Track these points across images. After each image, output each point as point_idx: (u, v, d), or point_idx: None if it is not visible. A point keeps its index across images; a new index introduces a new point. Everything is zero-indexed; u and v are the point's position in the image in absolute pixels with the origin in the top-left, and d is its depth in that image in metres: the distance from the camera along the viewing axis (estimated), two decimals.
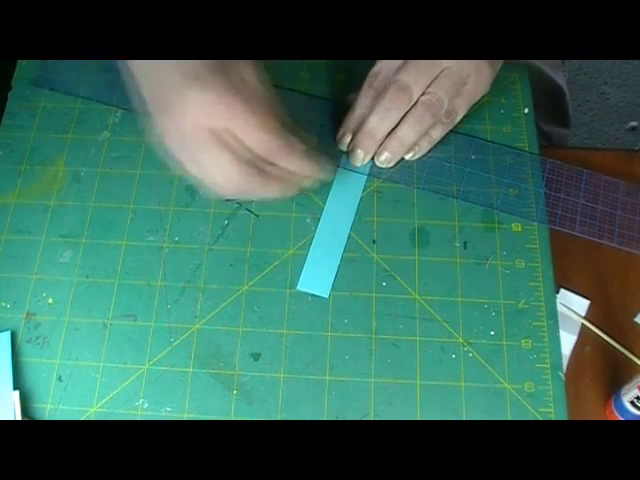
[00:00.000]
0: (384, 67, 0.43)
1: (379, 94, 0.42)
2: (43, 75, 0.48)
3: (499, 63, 0.45)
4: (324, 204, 0.43)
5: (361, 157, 0.43)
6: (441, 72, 0.41)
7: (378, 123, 0.42)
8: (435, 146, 0.44)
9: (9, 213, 0.43)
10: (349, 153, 0.44)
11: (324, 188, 0.43)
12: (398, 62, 0.42)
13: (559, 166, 0.44)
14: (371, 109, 0.42)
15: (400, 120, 0.42)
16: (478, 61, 0.43)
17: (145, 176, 0.44)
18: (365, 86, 0.44)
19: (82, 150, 0.45)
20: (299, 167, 0.39)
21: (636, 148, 1.24)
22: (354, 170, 0.44)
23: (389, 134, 0.43)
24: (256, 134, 0.35)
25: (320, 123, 0.46)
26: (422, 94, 0.41)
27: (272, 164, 0.37)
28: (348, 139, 0.44)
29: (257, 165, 0.36)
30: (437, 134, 0.43)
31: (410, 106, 0.41)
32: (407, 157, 0.44)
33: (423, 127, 0.42)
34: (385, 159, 0.43)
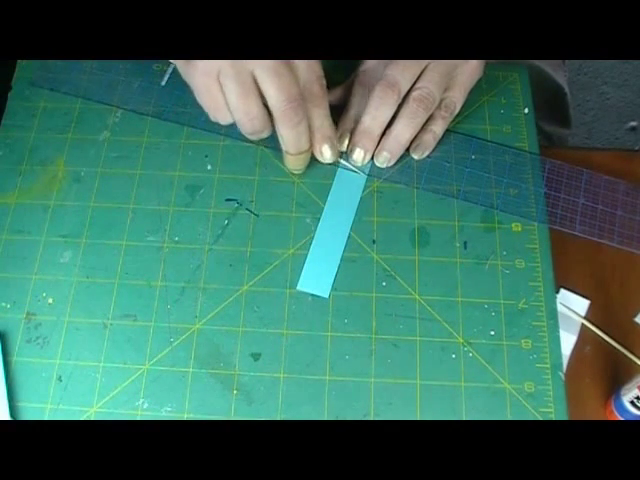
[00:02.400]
0: (372, 64, 0.44)
1: (370, 91, 0.42)
2: (43, 75, 0.48)
3: None
4: (324, 204, 0.43)
5: (361, 156, 0.43)
6: (428, 65, 0.42)
7: (371, 121, 0.42)
8: (435, 146, 0.44)
9: (9, 213, 0.43)
10: (349, 153, 0.44)
11: (324, 188, 0.44)
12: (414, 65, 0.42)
13: (559, 166, 0.44)
14: (364, 107, 0.42)
15: (395, 117, 0.42)
16: (465, 61, 0.43)
17: (145, 176, 0.44)
18: (356, 84, 0.44)
19: (82, 150, 0.45)
20: (323, 121, 0.40)
21: (636, 148, 1.24)
22: (354, 170, 0.44)
23: (385, 132, 0.43)
24: (305, 65, 0.38)
25: None
26: (413, 89, 0.42)
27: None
28: (346, 139, 0.44)
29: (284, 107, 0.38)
30: (439, 129, 0.43)
31: (399, 101, 0.41)
32: (415, 157, 0.44)
33: (417, 123, 0.42)
34: (384, 159, 0.43)
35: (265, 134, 0.40)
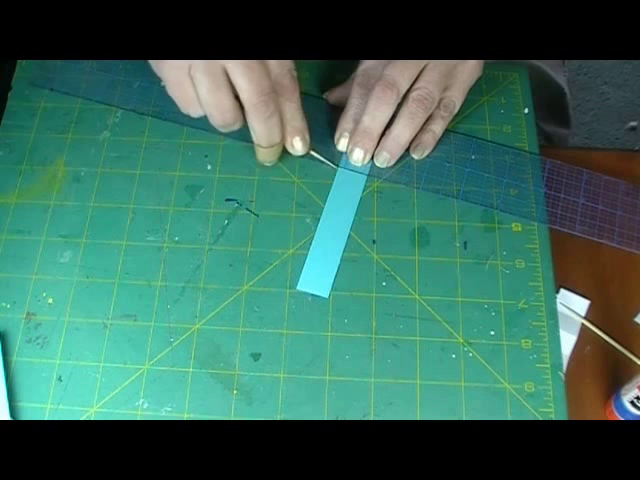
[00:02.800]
0: (371, 64, 0.43)
1: (369, 91, 0.42)
2: (43, 75, 0.48)
3: None
4: (324, 204, 0.43)
5: (361, 156, 0.43)
6: (427, 65, 0.42)
7: (371, 121, 0.42)
8: (435, 146, 0.44)
9: (9, 213, 0.43)
10: (349, 154, 0.44)
11: (324, 188, 0.44)
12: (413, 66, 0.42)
13: (559, 166, 0.44)
14: (363, 107, 0.42)
15: (394, 117, 0.42)
16: (464, 61, 0.43)
17: (145, 176, 0.44)
18: (355, 85, 0.44)
19: (82, 150, 0.45)
20: (294, 114, 0.41)
21: (636, 148, 1.24)
22: (354, 170, 0.44)
23: (385, 132, 0.43)
24: (277, 61, 0.39)
25: (319, 123, 0.46)
26: (412, 90, 0.42)
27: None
28: (346, 140, 0.44)
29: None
30: (439, 129, 0.43)
31: (398, 101, 0.41)
32: (416, 157, 0.44)
33: (417, 124, 0.42)
34: (384, 159, 0.43)
35: (236, 127, 0.40)
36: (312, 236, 0.42)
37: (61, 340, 0.39)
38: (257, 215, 0.43)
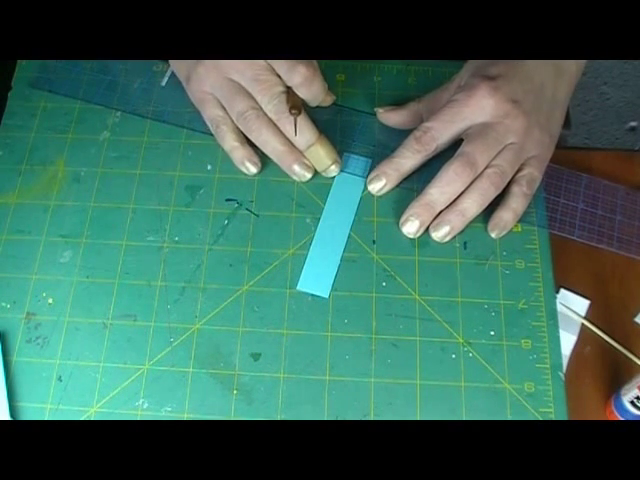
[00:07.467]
0: (436, 125, 0.41)
1: (424, 151, 0.41)
2: (42, 77, 0.48)
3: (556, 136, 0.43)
4: (324, 204, 0.43)
5: (415, 229, 0.41)
6: (505, 146, 0.40)
7: (438, 195, 0.40)
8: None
9: (9, 213, 0.43)
10: (402, 223, 0.42)
11: (324, 188, 0.44)
12: (455, 126, 0.41)
13: (558, 170, 0.44)
14: (412, 163, 0.41)
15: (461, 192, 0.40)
16: (541, 141, 0.41)
17: (145, 176, 0.44)
18: (411, 138, 0.42)
19: (82, 150, 0.45)
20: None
21: (636, 148, 1.24)
22: (353, 173, 0.44)
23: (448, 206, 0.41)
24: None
25: (320, 123, 0.46)
26: (488, 166, 0.40)
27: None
28: (381, 183, 0.42)
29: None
30: (521, 207, 0.41)
31: (473, 180, 0.40)
32: (493, 235, 0.42)
33: (486, 201, 0.40)
34: (444, 233, 0.41)
35: None
36: (312, 236, 0.42)
37: (61, 340, 0.39)
38: (257, 215, 0.43)
